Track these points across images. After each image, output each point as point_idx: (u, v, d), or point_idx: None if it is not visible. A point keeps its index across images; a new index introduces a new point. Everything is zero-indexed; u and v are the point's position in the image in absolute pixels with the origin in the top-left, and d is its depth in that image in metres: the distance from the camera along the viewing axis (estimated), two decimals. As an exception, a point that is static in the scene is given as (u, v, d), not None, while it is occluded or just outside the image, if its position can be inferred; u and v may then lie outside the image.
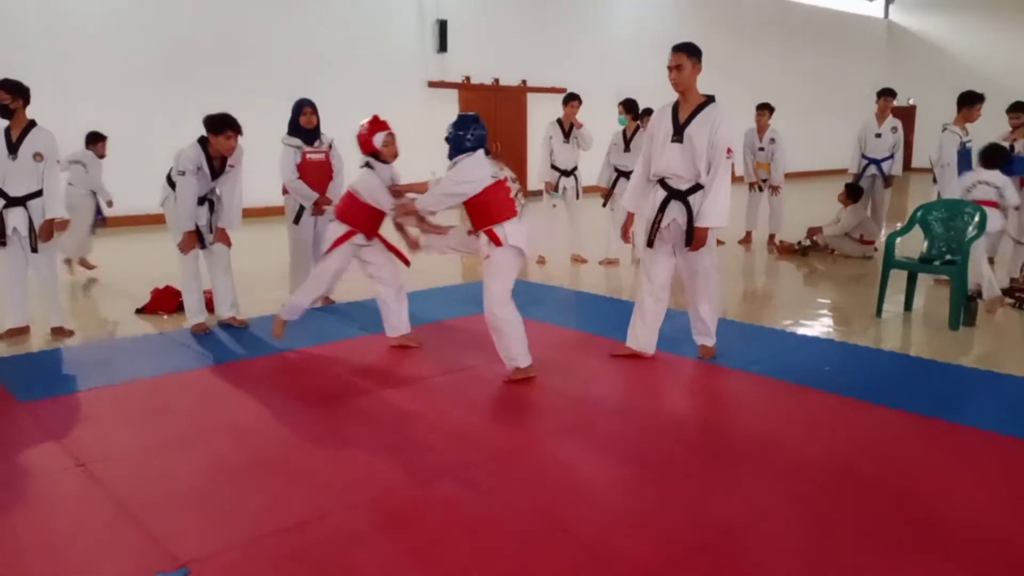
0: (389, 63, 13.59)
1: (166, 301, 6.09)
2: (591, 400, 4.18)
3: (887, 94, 8.84)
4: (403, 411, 4.01)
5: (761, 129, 9.58)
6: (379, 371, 4.66)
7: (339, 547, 2.67)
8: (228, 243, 5.48)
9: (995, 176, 6.38)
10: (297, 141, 5.93)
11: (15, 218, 5.12)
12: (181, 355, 4.93)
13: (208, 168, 5.17)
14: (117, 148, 10.24)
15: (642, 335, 4.78)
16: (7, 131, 5.11)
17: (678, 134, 4.37)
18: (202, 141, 5.14)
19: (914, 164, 20.36)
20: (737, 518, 2.86)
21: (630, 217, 4.87)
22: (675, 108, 4.47)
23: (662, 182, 4.49)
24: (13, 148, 5.04)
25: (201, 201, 5.28)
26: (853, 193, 8.67)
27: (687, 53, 4.36)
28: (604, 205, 8.34)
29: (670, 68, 4.37)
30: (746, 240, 9.63)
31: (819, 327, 5.77)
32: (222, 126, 5.06)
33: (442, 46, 14.14)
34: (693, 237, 4.39)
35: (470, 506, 2.98)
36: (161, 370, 4.60)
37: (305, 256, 6.20)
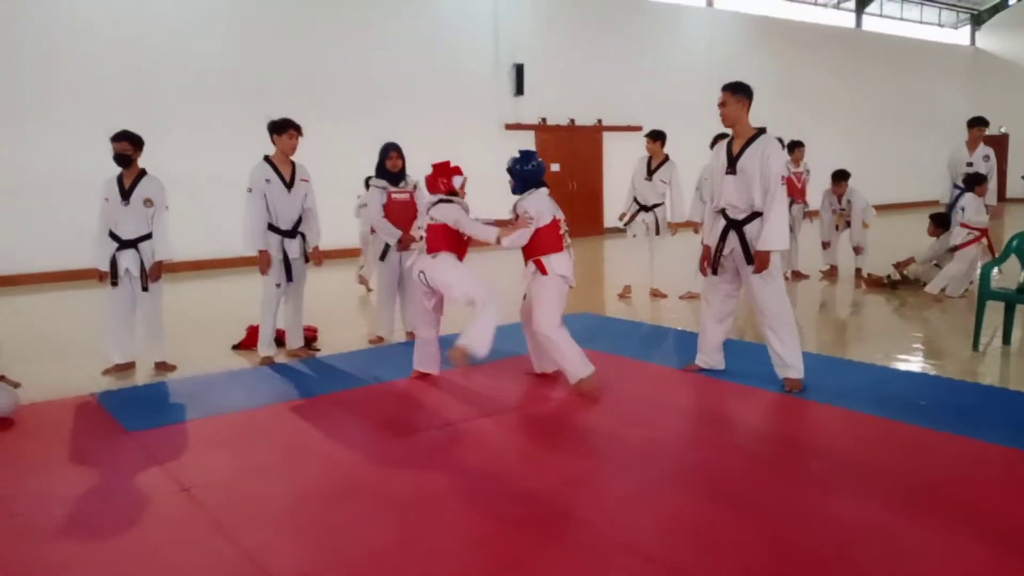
0: (468, 106, 13.96)
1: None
2: (667, 428, 4.16)
3: (979, 123, 8.59)
4: (481, 441, 4.08)
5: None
6: (460, 404, 4.75)
7: (428, 568, 2.74)
8: (319, 261, 5.93)
9: None
10: (383, 182, 6.26)
11: (127, 259, 5.48)
12: (273, 388, 5.14)
13: (280, 180, 5.57)
14: (204, 191, 10.87)
15: (707, 351, 5.10)
16: (120, 178, 5.49)
17: (731, 166, 4.61)
18: (267, 159, 5.60)
19: (1008, 194, 19.59)
20: (823, 549, 2.80)
21: (706, 250, 4.95)
22: (730, 142, 4.72)
23: (723, 213, 4.73)
24: (127, 195, 5.41)
25: (291, 234, 5.65)
26: (940, 222, 8.41)
27: (731, 91, 4.61)
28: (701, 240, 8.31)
29: (719, 106, 4.64)
30: (830, 273, 9.43)
31: (913, 360, 5.59)
32: (284, 126, 5.58)
33: (519, 89, 14.45)
34: (755, 260, 4.54)
35: (547, 528, 3.01)
36: (255, 402, 4.81)
37: (391, 292, 6.44)
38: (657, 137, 8.24)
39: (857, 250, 9.16)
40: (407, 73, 13.27)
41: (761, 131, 4.64)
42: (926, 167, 19.44)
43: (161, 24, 11.22)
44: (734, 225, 4.66)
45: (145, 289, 5.55)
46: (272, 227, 5.65)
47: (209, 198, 10.87)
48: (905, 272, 8.59)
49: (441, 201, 4.93)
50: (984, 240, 7.75)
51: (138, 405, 4.85)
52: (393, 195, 6.25)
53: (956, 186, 8.60)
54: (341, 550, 2.90)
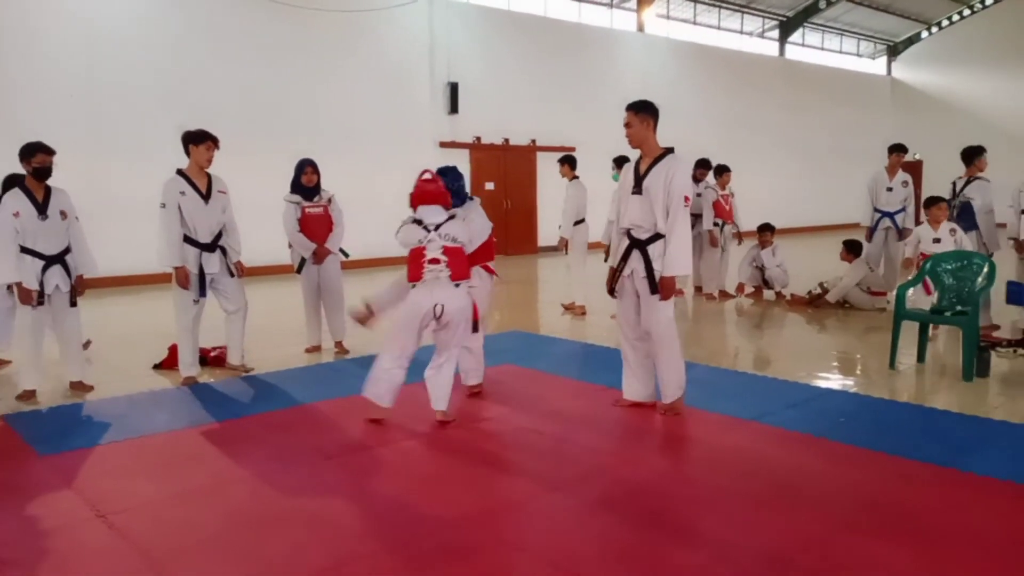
0: (402, 124, 13.93)
1: (184, 356, 6.16)
2: (588, 448, 4.19)
3: (898, 150, 8.99)
4: (419, 462, 4.04)
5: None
6: (394, 422, 4.69)
7: (358, 596, 2.68)
8: (241, 273, 5.82)
9: None
10: (297, 198, 6.46)
11: (55, 276, 5.24)
12: (197, 409, 4.98)
13: (196, 192, 5.47)
14: (138, 208, 10.57)
15: (631, 384, 4.86)
16: (28, 192, 5.18)
17: (637, 186, 4.57)
18: (180, 172, 5.51)
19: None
20: (761, 570, 2.85)
21: (610, 271, 4.83)
22: (637, 162, 4.68)
23: (628, 233, 4.65)
24: (42, 208, 5.18)
25: (211, 248, 5.56)
26: (852, 248, 8.79)
27: (635, 111, 4.59)
28: (605, 260, 8.48)
29: (624, 126, 4.62)
30: (739, 288, 9.71)
31: (833, 379, 5.78)
32: (202, 137, 5.46)
33: (453, 107, 14.49)
34: (657, 286, 4.48)
35: (488, 554, 2.98)
36: (178, 424, 4.66)
37: (314, 303, 6.69)
38: (564, 162, 8.63)
39: (779, 295, 9.43)
40: (342, 90, 13.18)
41: (668, 151, 4.58)
42: (848, 191, 20.27)
43: (106, 44, 10.92)
44: (637, 245, 4.56)
45: (73, 304, 5.35)
46: (189, 240, 5.52)
47: (137, 214, 10.56)
48: (824, 284, 8.87)
49: (451, 218, 4.54)
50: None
51: (52, 427, 4.65)
52: (307, 209, 6.44)
53: (876, 210, 8.96)
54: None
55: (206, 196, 5.55)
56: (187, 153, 5.52)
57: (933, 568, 2.83)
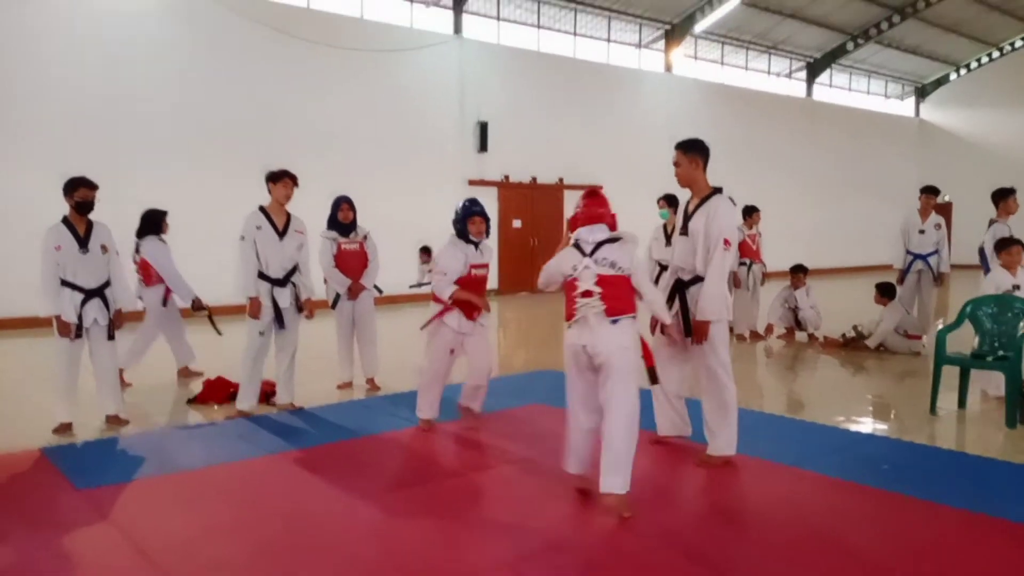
0: (432, 162, 14.10)
1: (217, 392, 6.20)
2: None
3: (930, 192, 8.91)
4: (449, 502, 4.00)
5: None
6: (425, 462, 4.67)
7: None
8: (310, 313, 5.88)
9: None
10: (333, 234, 6.54)
11: (94, 310, 5.30)
12: (234, 445, 4.99)
13: (272, 228, 5.61)
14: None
15: (664, 416, 4.84)
16: (70, 225, 5.28)
17: (683, 227, 4.51)
18: (261, 208, 5.67)
19: (954, 260, 20.26)
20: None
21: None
22: (687, 203, 4.60)
23: (670, 272, 4.65)
24: (84, 242, 5.27)
25: (282, 283, 5.65)
26: (886, 291, 8.65)
27: (683, 150, 4.48)
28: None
29: (673, 165, 4.51)
30: (768, 330, 9.60)
31: (872, 424, 5.67)
32: (280, 176, 5.63)
33: (483, 146, 14.64)
34: (693, 330, 4.39)
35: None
36: (214, 459, 4.66)
37: (348, 339, 6.72)
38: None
39: (812, 337, 9.34)
40: (374, 128, 13.38)
41: (716, 191, 4.46)
42: (876, 232, 20.11)
43: (124, 71, 11.17)
44: (679, 286, 4.49)
45: (111, 338, 5.39)
46: (262, 275, 5.63)
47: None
48: (858, 328, 8.76)
49: (608, 241, 3.82)
50: None
51: (89, 461, 4.66)
52: (343, 245, 6.53)
53: (908, 252, 8.86)
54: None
55: (282, 233, 5.67)
56: (268, 190, 5.70)
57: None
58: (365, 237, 6.63)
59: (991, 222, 7.48)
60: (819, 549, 3.38)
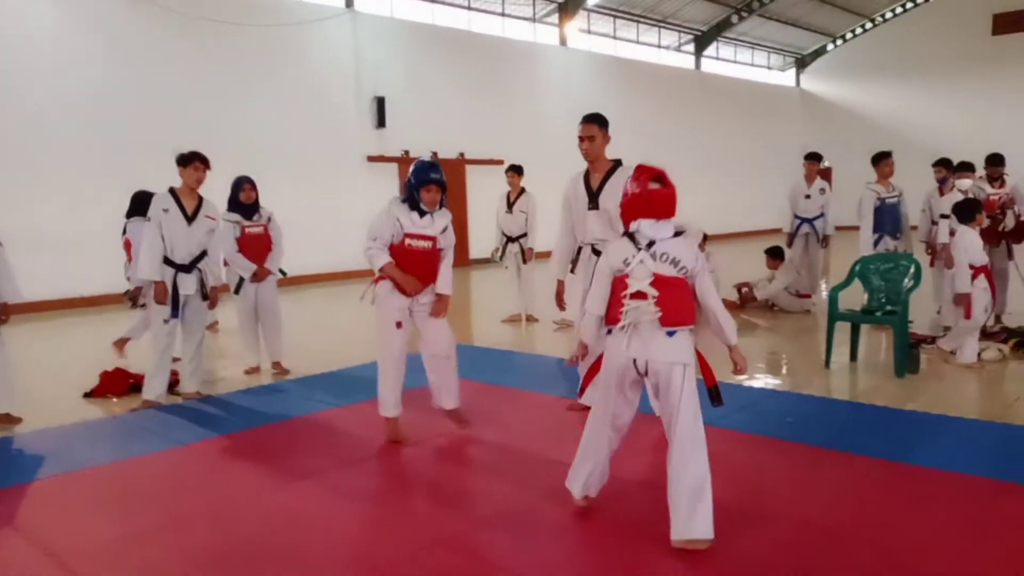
0: (328, 139, 13.74)
1: (116, 383, 5.91)
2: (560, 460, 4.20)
3: (813, 158, 9.36)
4: (380, 482, 3.97)
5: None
6: (349, 443, 4.59)
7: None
8: (215, 299, 5.67)
9: None
10: (236, 216, 6.29)
11: None
12: (141, 438, 4.76)
13: (180, 212, 5.39)
14: (55, 232, 10.14)
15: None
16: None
17: (593, 202, 4.51)
18: (171, 190, 5.46)
19: (835, 222, 21.41)
20: (731, 568, 2.90)
21: (560, 285, 5.03)
22: (586, 176, 4.59)
23: (593, 248, 4.59)
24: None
25: (188, 269, 5.44)
26: (775, 254, 9.11)
27: (598, 124, 4.51)
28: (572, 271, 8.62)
29: (582, 139, 4.50)
30: None
31: (773, 380, 5.95)
32: (189, 158, 5.41)
33: (380, 122, 14.37)
34: None
35: (470, 574, 2.95)
36: (123, 454, 4.44)
37: (251, 324, 6.51)
38: (517, 171, 8.60)
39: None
40: (267, 106, 12.89)
41: (617, 163, 4.55)
42: (765, 198, 21.00)
43: (22, 67, 10.38)
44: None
45: None
46: (167, 259, 5.39)
47: (61, 238, 10.14)
48: (744, 291, 9.18)
49: (677, 235, 3.16)
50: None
51: (-17, 464, 4.36)
52: (247, 229, 6.31)
53: (796, 216, 9.29)
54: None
55: (191, 217, 5.44)
56: (179, 174, 5.47)
57: (902, 560, 2.95)
58: (269, 219, 6.43)
59: (866, 186, 7.91)
60: (749, 504, 3.52)
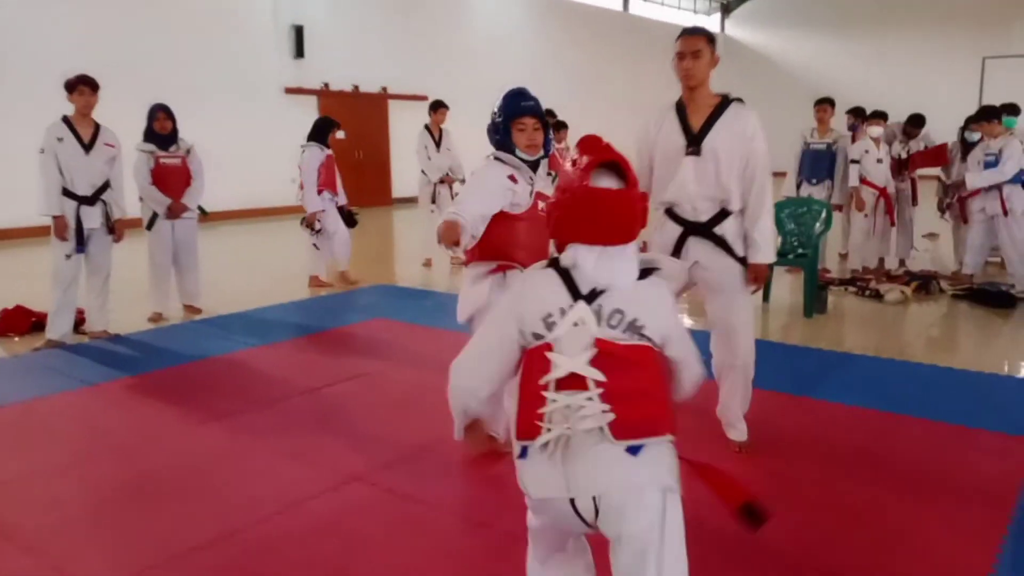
0: (244, 68, 13.15)
1: (17, 321, 5.64)
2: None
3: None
4: (298, 420, 3.92)
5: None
6: (267, 382, 4.52)
7: (257, 560, 2.60)
8: (120, 236, 5.42)
9: None
10: (151, 146, 5.95)
11: None
12: (44, 377, 4.58)
13: (76, 140, 5.12)
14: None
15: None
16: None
17: (694, 144, 3.27)
18: (65, 118, 5.17)
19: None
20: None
21: None
22: (680, 111, 3.43)
23: (671, 212, 3.38)
24: None
25: (92, 201, 5.19)
26: None
27: (707, 38, 3.37)
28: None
29: (682, 55, 3.37)
30: None
31: (686, 320, 6.11)
32: (74, 83, 5.10)
33: (299, 52, 13.83)
34: (748, 274, 3.32)
35: (384, 509, 2.96)
36: (25, 394, 4.26)
37: (165, 263, 6.14)
38: (446, 107, 8.45)
39: None
40: (175, 33, 12.20)
41: (732, 99, 3.41)
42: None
43: None
44: (697, 230, 3.31)
45: None
46: (67, 192, 5.11)
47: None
48: None
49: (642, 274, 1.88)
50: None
51: None
52: (162, 160, 5.96)
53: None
54: (159, 552, 2.66)
55: (88, 145, 5.15)
56: (69, 101, 5.16)
57: (793, 481, 3.11)
58: (188, 152, 6.06)
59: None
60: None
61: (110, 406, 4.14)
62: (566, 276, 1.79)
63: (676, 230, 3.35)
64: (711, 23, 26.05)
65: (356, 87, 14.87)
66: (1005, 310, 6.20)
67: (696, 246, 3.33)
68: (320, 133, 7.16)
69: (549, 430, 1.72)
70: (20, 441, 3.65)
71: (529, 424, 1.75)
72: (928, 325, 6.04)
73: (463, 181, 8.47)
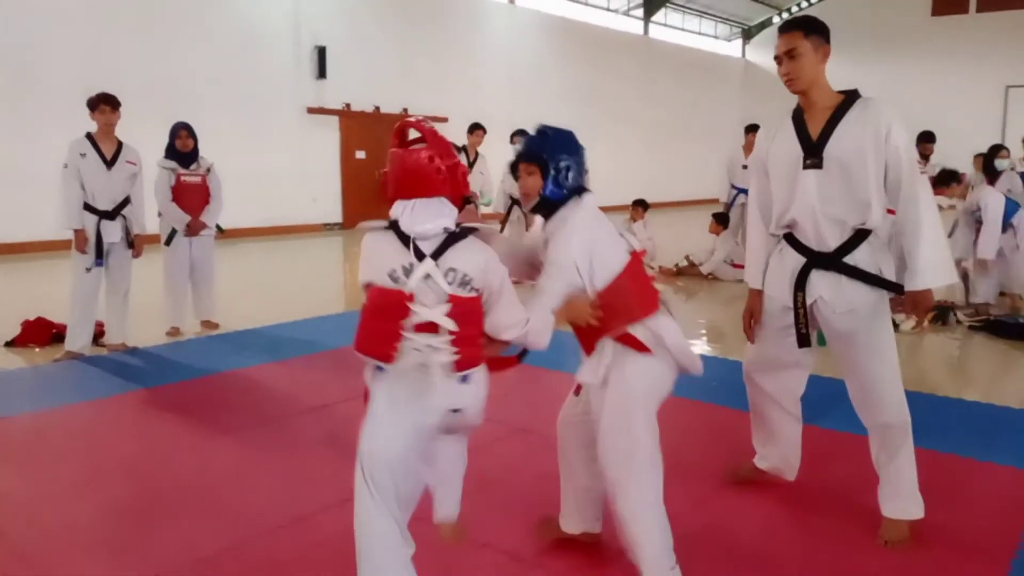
0: (267, 88, 13.37)
1: (38, 333, 5.75)
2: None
3: (754, 129, 9.51)
4: (308, 436, 3.96)
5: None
6: (278, 398, 4.57)
7: (262, 574, 2.63)
8: (138, 251, 5.54)
9: None
10: (172, 164, 6.06)
11: None
12: (61, 389, 4.68)
13: (99, 156, 5.27)
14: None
15: (772, 453, 3.42)
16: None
17: (813, 155, 2.75)
18: (88, 135, 5.32)
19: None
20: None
21: (753, 300, 3.10)
22: (798, 119, 2.87)
23: (790, 238, 2.88)
24: None
25: (112, 216, 5.33)
26: (721, 220, 9.28)
27: (804, 31, 2.79)
28: (501, 231, 8.56)
29: (779, 57, 2.86)
30: None
31: (702, 346, 6.11)
32: (95, 102, 5.27)
33: (321, 72, 14.04)
34: (907, 304, 2.80)
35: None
36: (43, 404, 4.35)
37: (181, 279, 6.22)
38: (482, 130, 8.63)
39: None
40: (199, 53, 12.44)
41: (855, 94, 2.82)
42: (700, 169, 21.27)
43: None
44: (822, 261, 2.78)
45: None
46: (88, 207, 5.26)
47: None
48: (690, 258, 9.36)
49: (461, 234, 2.20)
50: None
51: None
52: (183, 177, 6.08)
53: (733, 186, 9.48)
54: (163, 562, 2.71)
55: (110, 162, 5.29)
56: (92, 119, 5.33)
57: (797, 513, 3.10)
58: (208, 170, 6.20)
59: None
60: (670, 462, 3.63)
61: (124, 418, 4.21)
62: (398, 232, 2.14)
63: (797, 260, 2.83)
64: (732, 48, 26.18)
65: (377, 108, 15.06)
66: (1022, 343, 6.16)
67: (821, 281, 2.78)
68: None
69: (400, 360, 2.12)
70: (34, 451, 3.72)
71: (381, 350, 2.13)
72: (943, 356, 6.00)
73: (487, 204, 8.56)
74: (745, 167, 9.42)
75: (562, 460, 2.75)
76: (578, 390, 2.65)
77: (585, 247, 2.41)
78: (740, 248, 9.30)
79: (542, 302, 2.34)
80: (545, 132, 2.53)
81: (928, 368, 5.61)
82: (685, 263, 9.38)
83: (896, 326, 6.34)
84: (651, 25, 22.56)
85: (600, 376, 2.45)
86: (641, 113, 21.63)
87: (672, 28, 23.62)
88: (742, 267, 9.07)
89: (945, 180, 7.49)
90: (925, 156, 8.11)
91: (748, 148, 9.45)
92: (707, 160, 20.87)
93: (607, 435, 2.45)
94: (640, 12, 22.22)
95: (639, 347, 2.45)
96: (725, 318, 7.38)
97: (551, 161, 2.45)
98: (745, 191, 9.36)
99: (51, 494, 3.27)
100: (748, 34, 26.39)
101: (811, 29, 2.80)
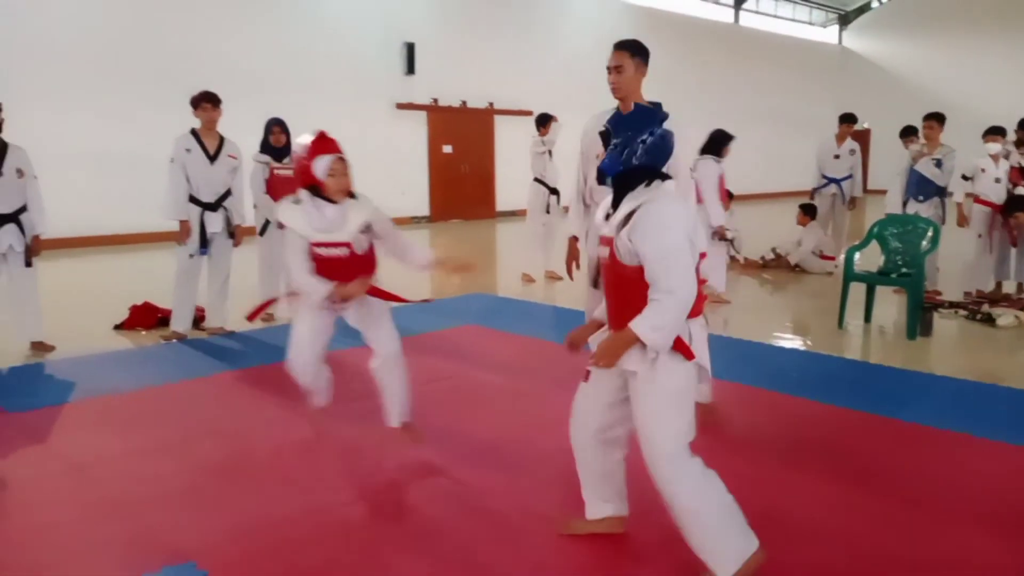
0: (357, 84, 13.74)
1: (145, 317, 6.14)
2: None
3: (849, 120, 9.24)
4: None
5: None
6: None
7: (333, 536, 2.81)
8: (238, 241, 5.86)
9: None
10: (266, 158, 6.31)
11: (9, 235, 5.17)
12: (163, 368, 5.00)
13: (202, 152, 5.57)
14: (81, 168, 10.37)
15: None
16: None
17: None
18: (193, 131, 5.63)
19: (870, 186, 21.02)
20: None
21: (573, 244, 4.02)
22: (616, 120, 3.14)
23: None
24: None
25: (215, 207, 5.65)
26: (808, 211, 9.05)
27: (630, 52, 3.63)
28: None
29: (609, 69, 3.65)
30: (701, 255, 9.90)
31: (787, 338, 6.01)
32: (197, 100, 5.56)
33: (410, 68, 14.34)
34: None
35: (461, 498, 3.12)
36: (144, 382, 4.66)
37: (275, 267, 6.38)
38: (552, 119, 8.76)
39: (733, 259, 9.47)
40: (292, 50, 12.90)
41: (656, 106, 3.13)
42: (796, 159, 20.61)
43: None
44: None
45: (29, 264, 5.29)
46: (192, 199, 5.61)
47: (77, 174, 10.36)
48: (777, 251, 9.17)
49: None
50: None
51: (17, 386, 4.64)
52: (276, 170, 6.31)
53: (824, 176, 9.22)
54: (242, 523, 2.91)
55: (213, 156, 5.63)
56: (195, 116, 5.65)
57: (876, 506, 3.05)
58: None
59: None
60: (738, 450, 3.64)
61: (215, 395, 4.49)
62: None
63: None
64: (828, 35, 25.31)
65: (464, 102, 15.28)
66: None
67: None
68: (714, 144, 7.42)
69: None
70: (133, 424, 4.02)
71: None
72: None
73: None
74: (837, 156, 9.16)
75: (576, 447, 2.79)
76: (587, 376, 2.70)
77: (687, 234, 2.43)
78: (828, 239, 9.06)
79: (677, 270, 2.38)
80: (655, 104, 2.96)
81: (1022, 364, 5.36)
82: (772, 255, 9.19)
83: (992, 320, 6.15)
84: (742, 12, 22.05)
85: (646, 365, 2.44)
86: (731, 104, 21.17)
87: (764, 15, 23.01)
88: (831, 259, 8.93)
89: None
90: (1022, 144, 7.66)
91: (840, 138, 9.19)
92: (799, 152, 20.30)
93: (655, 429, 2.47)
94: (730, 0, 21.75)
95: (686, 352, 2.48)
96: (811, 310, 7.21)
97: (635, 135, 2.56)
98: (836, 180, 9.12)
99: (144, 452, 3.59)
100: (845, 20, 25.42)
101: (636, 51, 3.65)
